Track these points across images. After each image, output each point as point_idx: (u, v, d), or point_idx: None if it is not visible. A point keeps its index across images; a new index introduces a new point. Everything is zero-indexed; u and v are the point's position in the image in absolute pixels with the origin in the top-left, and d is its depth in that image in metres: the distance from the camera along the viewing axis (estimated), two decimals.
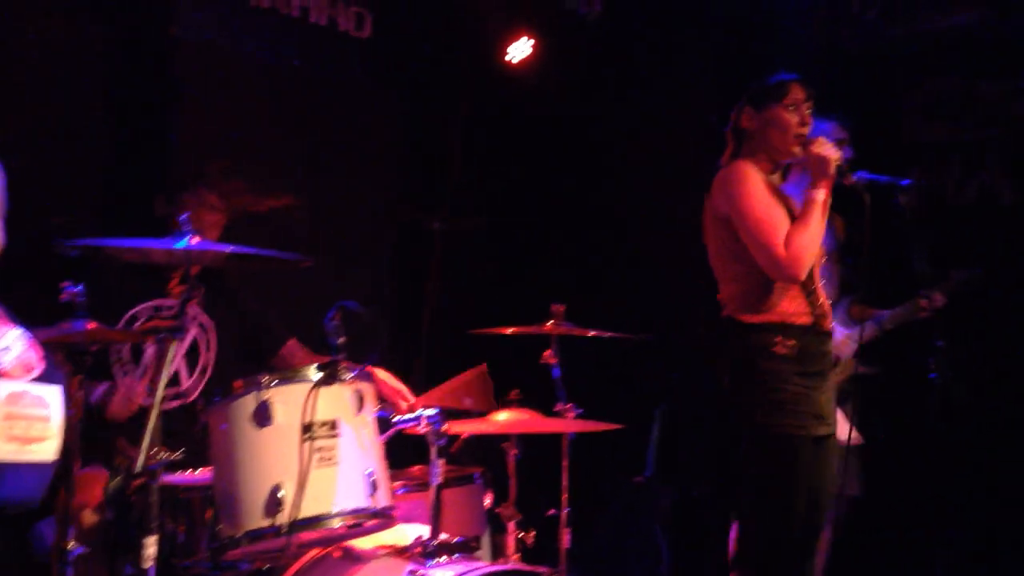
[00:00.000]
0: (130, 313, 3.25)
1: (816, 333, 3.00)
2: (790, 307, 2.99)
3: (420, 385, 5.03)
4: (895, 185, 3.07)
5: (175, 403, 3.25)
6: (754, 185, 3.00)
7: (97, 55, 4.16)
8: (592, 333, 3.64)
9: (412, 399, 3.33)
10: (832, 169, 2.97)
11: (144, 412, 3.13)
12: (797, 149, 3.06)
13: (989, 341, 4.79)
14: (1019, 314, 4.90)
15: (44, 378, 2.42)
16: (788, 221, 2.98)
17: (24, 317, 2.78)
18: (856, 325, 4.35)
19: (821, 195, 2.97)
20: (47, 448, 2.38)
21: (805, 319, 2.99)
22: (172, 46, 4.32)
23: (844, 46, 5.30)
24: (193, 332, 3.31)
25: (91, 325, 2.64)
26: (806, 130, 3.06)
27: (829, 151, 2.98)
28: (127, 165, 4.19)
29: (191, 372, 3.31)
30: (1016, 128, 5.19)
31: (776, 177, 3.15)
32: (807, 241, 2.93)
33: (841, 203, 3.16)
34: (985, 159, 5.26)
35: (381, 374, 3.30)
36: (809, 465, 2.96)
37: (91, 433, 3.05)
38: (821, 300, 3.05)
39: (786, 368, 2.95)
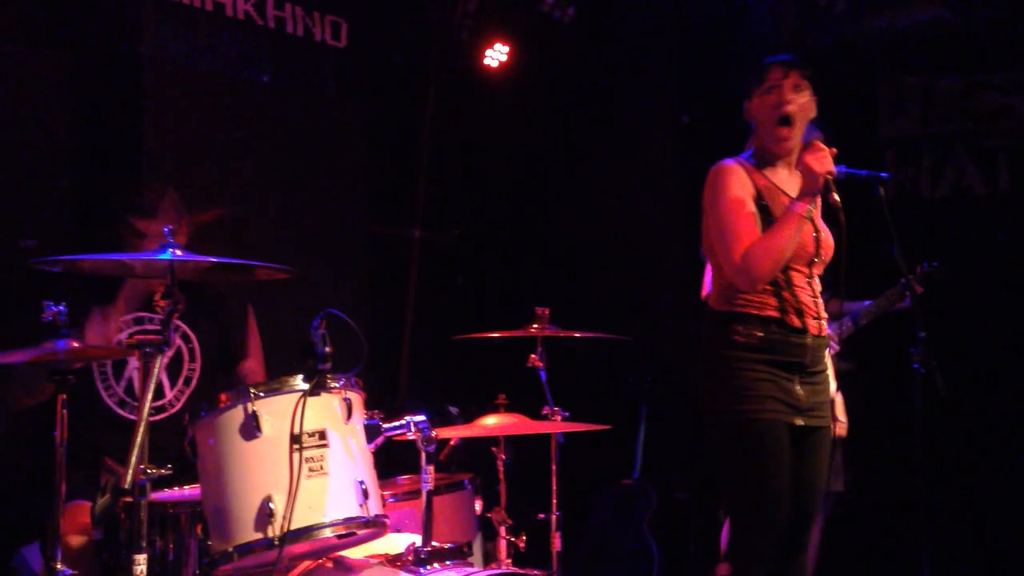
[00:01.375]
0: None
1: (784, 326, 2.97)
2: (757, 299, 2.98)
3: (403, 392, 5.02)
4: (876, 178, 3.07)
5: (159, 416, 3.22)
6: (728, 186, 2.98)
7: (65, 75, 4.13)
8: (578, 334, 3.64)
9: None
10: (819, 184, 2.92)
11: (130, 428, 3.12)
12: (781, 131, 3.01)
13: (968, 331, 4.84)
14: (995, 304, 4.97)
15: None
16: (756, 226, 2.96)
17: (6, 338, 2.75)
18: (834, 322, 4.38)
19: (802, 208, 2.94)
20: None
21: (772, 312, 2.97)
22: (140, 64, 4.29)
23: (812, 41, 5.34)
24: (177, 343, 3.28)
25: (74, 343, 2.61)
26: (788, 109, 3.00)
27: (821, 164, 2.92)
28: (97, 185, 4.16)
29: (173, 384, 3.29)
30: (980, 121, 5.26)
31: (780, 171, 3.09)
32: (769, 251, 2.91)
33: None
34: (954, 152, 5.33)
35: None
36: (779, 450, 2.94)
37: (76, 453, 3.03)
38: (799, 298, 3.01)
39: (746, 355, 2.94)
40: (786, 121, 3.01)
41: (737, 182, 3.00)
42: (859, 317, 4.49)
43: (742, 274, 2.93)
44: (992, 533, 4.89)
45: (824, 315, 3.08)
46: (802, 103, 3.03)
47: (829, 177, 2.92)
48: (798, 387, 2.97)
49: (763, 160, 3.09)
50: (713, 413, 3.00)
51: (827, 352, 3.14)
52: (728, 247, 2.94)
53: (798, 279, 3.02)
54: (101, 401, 3.24)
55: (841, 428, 3.36)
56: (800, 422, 2.98)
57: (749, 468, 2.95)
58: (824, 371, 3.09)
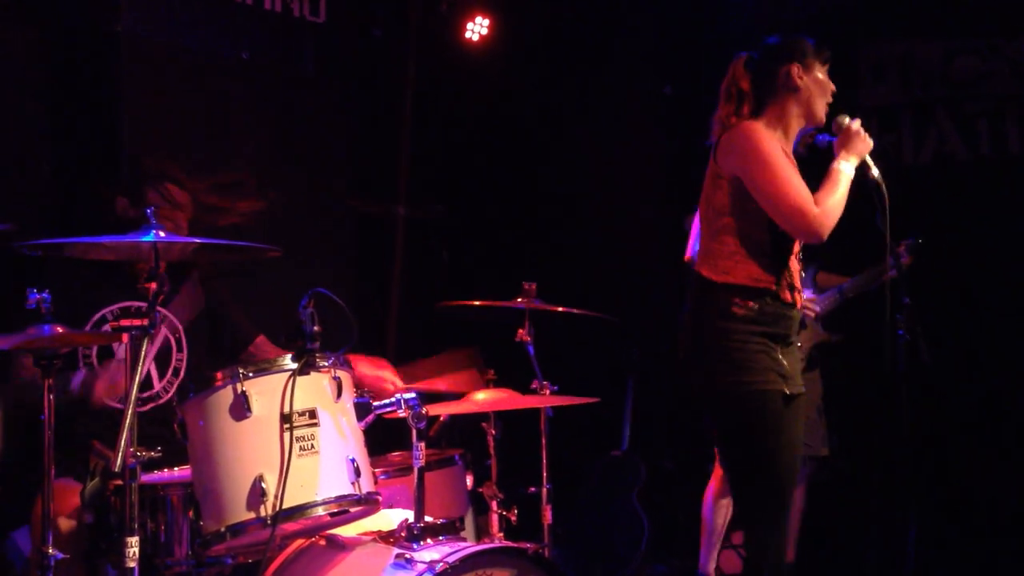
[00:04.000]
0: (98, 315, 3.21)
1: (778, 300, 2.98)
2: (756, 273, 2.98)
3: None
4: (878, 149, 3.09)
5: (148, 406, 3.21)
6: (771, 144, 2.97)
7: (39, 54, 4.08)
8: (562, 309, 3.64)
9: (399, 381, 3.29)
10: (867, 152, 3.01)
11: (118, 413, 3.10)
12: (823, 113, 3.07)
13: (952, 298, 4.87)
14: (978, 269, 4.99)
15: None
16: (803, 182, 2.97)
17: None
18: (822, 293, 4.40)
19: (849, 168, 2.99)
20: None
21: (769, 286, 2.98)
22: (116, 43, 4.24)
23: (792, 12, 5.33)
24: (163, 333, 3.26)
25: (59, 329, 2.59)
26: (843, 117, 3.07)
27: (866, 137, 3.02)
28: (75, 167, 4.12)
29: (162, 375, 3.27)
30: (960, 87, 5.27)
31: (784, 146, 3.09)
32: (835, 204, 2.94)
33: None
34: (935, 119, 5.34)
35: (363, 367, 3.26)
36: (781, 418, 2.96)
37: (64, 437, 3.01)
38: (792, 273, 3.03)
39: (744, 328, 2.94)
40: (841, 119, 3.05)
41: (774, 140, 3.00)
42: (846, 290, 4.52)
43: (817, 225, 2.91)
44: (977, 498, 4.94)
45: (800, 287, 3.09)
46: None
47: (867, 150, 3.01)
48: (780, 356, 2.99)
49: (777, 127, 3.06)
50: (714, 387, 2.98)
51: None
52: (797, 199, 2.90)
53: (796, 251, 3.04)
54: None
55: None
56: (787, 390, 3.00)
57: (761, 441, 2.95)
58: (796, 340, 3.11)
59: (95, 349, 3.20)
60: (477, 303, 3.67)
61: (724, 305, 2.96)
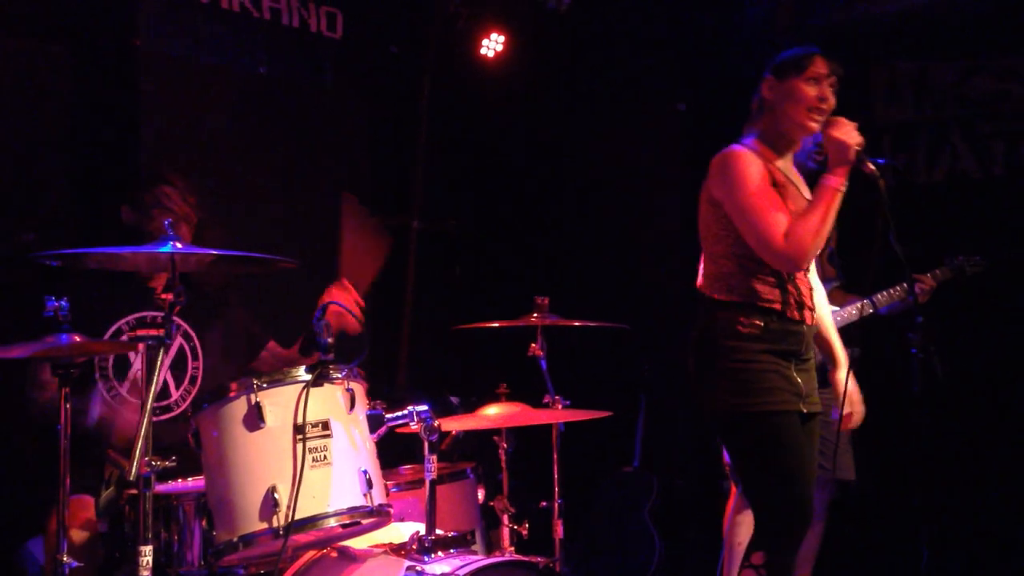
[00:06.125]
0: (115, 327, 3.23)
1: (784, 318, 2.94)
2: (759, 291, 2.93)
3: (403, 383, 5.02)
4: (891, 167, 3.02)
5: (165, 416, 3.22)
6: (747, 171, 2.91)
7: (62, 69, 4.13)
8: (578, 323, 3.65)
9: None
10: (852, 155, 2.86)
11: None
12: (812, 124, 2.95)
13: (965, 316, 4.85)
14: (992, 288, 4.98)
15: None
16: (783, 208, 2.89)
17: (8, 333, 2.76)
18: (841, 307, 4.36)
19: (836, 182, 2.86)
20: None
21: (775, 305, 2.93)
22: (136, 58, 4.30)
23: (810, 25, 5.33)
24: (178, 342, 3.28)
25: (76, 338, 2.62)
26: (825, 105, 2.95)
27: (849, 135, 2.86)
28: (96, 179, 4.17)
29: (179, 384, 3.29)
30: (975, 106, 5.26)
31: (784, 161, 3.05)
32: (812, 230, 2.84)
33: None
34: (949, 138, 5.34)
35: (337, 292, 3.24)
36: (796, 440, 2.92)
37: (78, 452, 3.04)
38: (799, 290, 2.98)
39: (750, 346, 2.89)
40: (827, 123, 2.93)
41: (754, 166, 2.93)
42: (875, 303, 4.42)
43: (786, 258, 2.86)
44: (991, 519, 4.91)
45: (811, 304, 3.04)
46: (833, 102, 2.98)
47: (859, 148, 2.86)
48: (794, 373, 2.96)
49: (771, 146, 3.03)
50: (720, 408, 2.94)
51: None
52: (766, 232, 2.85)
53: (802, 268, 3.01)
54: (104, 402, 3.21)
55: (857, 417, 3.30)
56: (804, 409, 2.97)
57: (772, 462, 2.90)
58: (812, 358, 3.07)
59: (111, 360, 3.22)
60: (495, 324, 3.65)
61: (729, 324, 2.93)
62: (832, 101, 2.99)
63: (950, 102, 5.32)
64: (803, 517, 2.96)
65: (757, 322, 2.92)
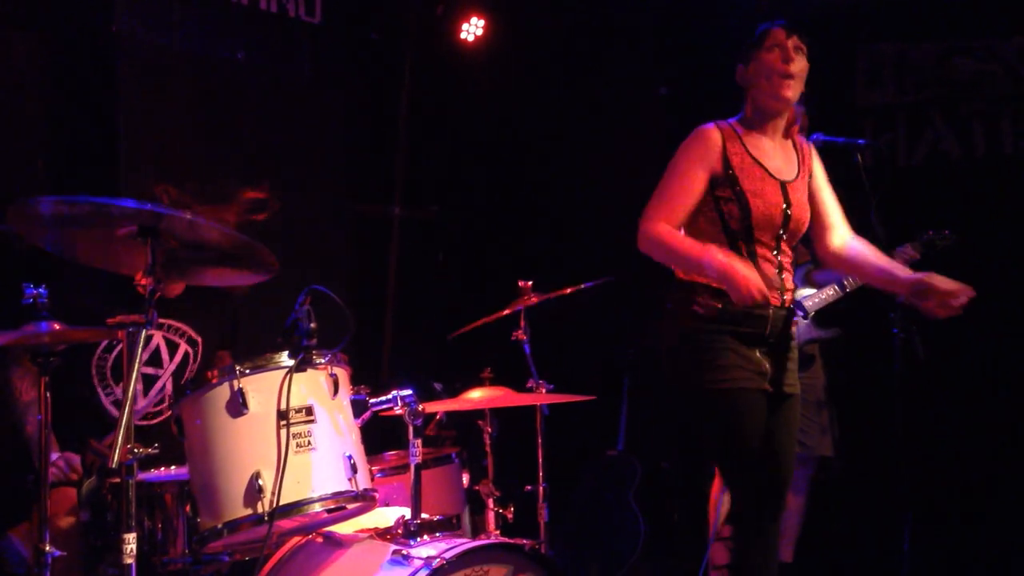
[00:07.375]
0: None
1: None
2: None
3: (386, 369, 4.99)
4: (853, 145, 3.06)
5: (162, 419, 3.20)
6: (690, 154, 2.99)
7: (37, 56, 4.09)
8: (569, 290, 3.63)
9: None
10: (741, 302, 2.81)
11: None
12: (785, 91, 2.98)
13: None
14: (972, 269, 5.00)
15: None
16: (687, 203, 2.96)
17: None
18: (819, 288, 4.39)
19: (711, 267, 2.81)
20: None
21: None
22: (113, 45, 4.26)
23: (792, 8, 5.33)
24: (183, 348, 3.26)
25: (55, 325, 2.59)
26: (793, 68, 2.98)
27: (745, 288, 2.77)
28: (73, 167, 4.13)
29: None
30: (955, 88, 5.28)
31: (766, 137, 3.07)
32: (663, 248, 2.93)
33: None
34: (930, 119, 5.36)
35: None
36: (753, 415, 2.94)
37: (61, 439, 3.02)
38: (762, 271, 2.98)
39: (707, 327, 2.94)
40: (787, 75, 2.98)
41: (702, 151, 2.99)
42: (846, 285, 4.47)
43: (640, 238, 2.96)
44: (972, 496, 4.95)
45: (790, 286, 3.06)
46: (802, 65, 3.02)
47: (751, 302, 2.80)
48: (758, 355, 2.98)
49: (751, 124, 3.06)
50: (681, 386, 2.99)
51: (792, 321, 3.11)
52: (652, 208, 2.97)
53: (763, 252, 3.01)
54: (101, 405, 3.18)
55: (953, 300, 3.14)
56: (769, 388, 2.99)
57: (732, 439, 2.94)
58: (789, 341, 3.07)
59: (110, 363, 3.17)
60: (485, 321, 3.65)
61: (689, 304, 2.97)
62: (800, 63, 3.01)
63: (931, 84, 5.34)
64: (771, 493, 2.98)
65: (715, 304, 2.94)
